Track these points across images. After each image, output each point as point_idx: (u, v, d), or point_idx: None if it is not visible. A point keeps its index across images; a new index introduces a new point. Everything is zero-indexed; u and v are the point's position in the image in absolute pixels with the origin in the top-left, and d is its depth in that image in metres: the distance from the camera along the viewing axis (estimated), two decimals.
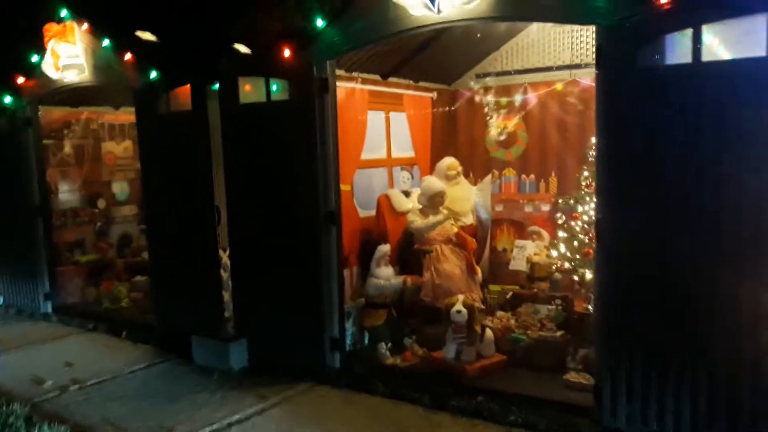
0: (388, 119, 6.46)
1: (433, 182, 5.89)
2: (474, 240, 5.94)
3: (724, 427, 3.64)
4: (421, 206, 5.88)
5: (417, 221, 5.75)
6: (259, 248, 5.43)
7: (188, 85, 5.76)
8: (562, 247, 6.05)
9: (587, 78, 6.60)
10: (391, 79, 6.47)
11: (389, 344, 5.33)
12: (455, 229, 5.85)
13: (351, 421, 4.47)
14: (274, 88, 5.72)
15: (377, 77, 6.27)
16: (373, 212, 6.15)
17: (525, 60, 7.03)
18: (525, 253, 6.27)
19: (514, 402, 4.43)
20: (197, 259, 5.84)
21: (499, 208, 6.97)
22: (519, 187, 7.15)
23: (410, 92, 6.77)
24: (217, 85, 5.55)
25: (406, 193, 6.20)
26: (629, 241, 3.84)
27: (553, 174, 6.95)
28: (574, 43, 6.68)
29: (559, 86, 6.78)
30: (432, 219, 5.74)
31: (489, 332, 5.09)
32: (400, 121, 6.63)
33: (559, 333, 5.11)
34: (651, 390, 3.84)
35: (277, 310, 5.35)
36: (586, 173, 5.98)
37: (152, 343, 6.27)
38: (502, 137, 7.11)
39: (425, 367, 5.13)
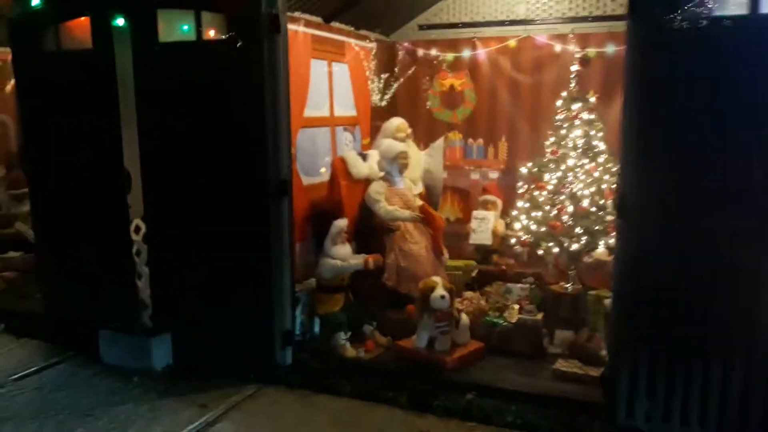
0: (330, 71, 5.57)
1: (392, 143, 5.12)
2: (441, 217, 5.25)
3: (757, 426, 3.29)
4: (382, 173, 5.10)
5: (381, 204, 4.92)
6: (188, 222, 4.41)
7: (86, 17, 4.52)
8: (524, 219, 5.58)
9: (543, 35, 6.13)
10: (333, 24, 5.57)
11: (348, 333, 4.57)
12: (419, 202, 5.14)
13: None
14: (185, 27, 4.73)
15: (319, 20, 5.35)
16: (317, 179, 5.30)
17: (474, 12, 6.41)
18: (488, 224, 5.71)
19: (508, 399, 3.88)
20: (102, 233, 4.68)
21: (443, 174, 6.33)
22: (465, 152, 6.58)
23: (352, 41, 5.90)
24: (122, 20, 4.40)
25: (363, 157, 5.37)
26: (660, 219, 3.36)
27: (503, 139, 6.44)
28: None
29: (512, 43, 6.24)
30: (399, 212, 4.94)
31: (465, 317, 4.50)
32: (342, 73, 5.77)
33: (539, 315, 4.62)
34: (676, 384, 3.43)
35: (212, 298, 4.40)
36: (552, 139, 5.48)
37: (42, 338, 5.05)
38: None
39: (393, 359, 4.46)
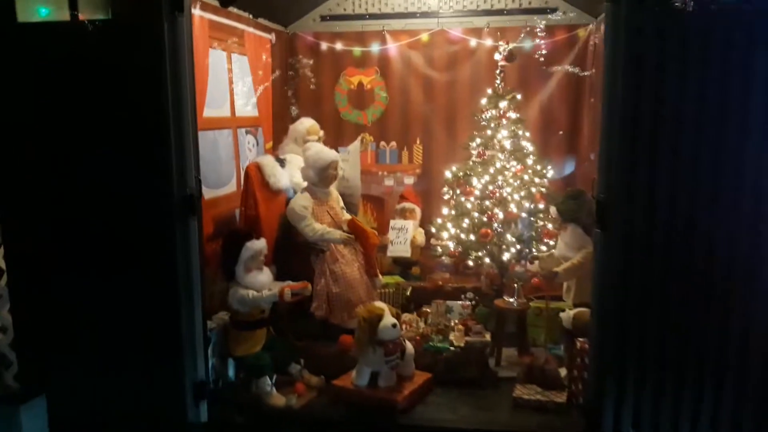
0: (230, 63, 4.76)
1: (323, 150, 4.42)
2: (374, 232, 4.61)
3: None
4: (306, 183, 4.39)
5: (308, 222, 4.21)
6: (66, 253, 3.44)
7: None
8: (451, 227, 5.13)
9: (457, 28, 5.73)
10: (231, 10, 4.77)
11: (274, 377, 3.83)
12: (347, 216, 4.48)
13: None
14: (44, 11, 3.80)
15: (215, 3, 4.53)
16: (222, 191, 4.49)
17: (382, 3, 5.85)
18: (407, 235, 5.18)
19: None
20: None
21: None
22: (377, 157, 6.02)
23: (251, 30, 5.12)
24: None
25: (280, 163, 4.62)
26: (647, 228, 2.99)
27: (418, 141, 5.96)
28: None
29: (424, 36, 5.78)
30: (329, 233, 4.25)
31: (410, 346, 3.92)
32: (242, 67, 4.97)
33: (488, 336, 4.16)
34: (664, 411, 3.09)
35: (101, 347, 3.47)
36: (478, 140, 5.07)
37: None
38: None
39: (331, 403, 3.77)
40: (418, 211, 5.56)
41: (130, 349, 3.44)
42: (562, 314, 3.98)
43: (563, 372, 3.88)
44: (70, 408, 3.53)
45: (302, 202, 4.25)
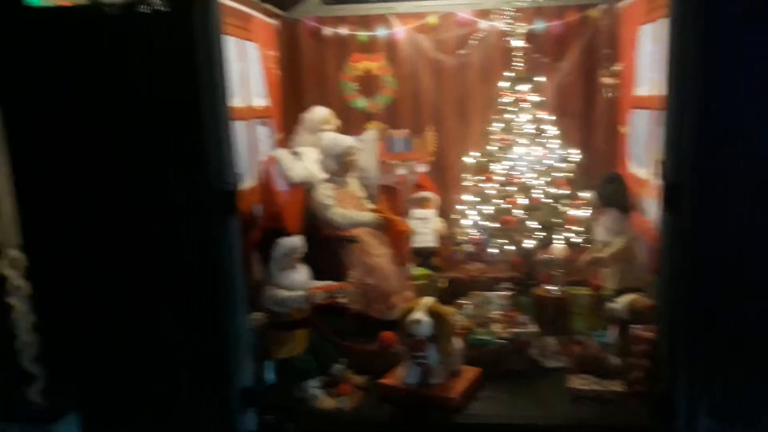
0: (241, 50, 4.49)
1: (338, 137, 4.28)
2: (402, 220, 4.43)
3: None
4: (326, 174, 4.20)
5: (335, 209, 4.07)
6: (96, 255, 3.17)
7: None
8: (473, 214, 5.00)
9: (466, 10, 5.55)
10: None
11: (320, 380, 3.63)
12: (370, 206, 4.35)
13: None
14: None
15: None
16: (244, 186, 4.23)
17: None
18: (431, 224, 5.01)
19: None
20: None
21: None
22: (388, 145, 5.81)
23: (259, 15, 4.86)
24: None
25: (295, 155, 4.41)
26: (721, 211, 2.87)
27: (430, 128, 5.77)
28: None
29: (432, 19, 5.59)
30: (359, 215, 4.11)
31: (458, 340, 3.76)
32: (253, 55, 4.71)
33: (533, 327, 4.02)
34: (737, 397, 3.00)
35: (136, 358, 3.22)
36: (501, 125, 4.93)
37: None
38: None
39: (379, 403, 3.59)
40: (436, 199, 5.40)
41: (172, 358, 3.20)
42: (616, 301, 3.86)
43: (616, 360, 3.78)
44: (106, 422, 3.27)
45: (324, 191, 4.14)
